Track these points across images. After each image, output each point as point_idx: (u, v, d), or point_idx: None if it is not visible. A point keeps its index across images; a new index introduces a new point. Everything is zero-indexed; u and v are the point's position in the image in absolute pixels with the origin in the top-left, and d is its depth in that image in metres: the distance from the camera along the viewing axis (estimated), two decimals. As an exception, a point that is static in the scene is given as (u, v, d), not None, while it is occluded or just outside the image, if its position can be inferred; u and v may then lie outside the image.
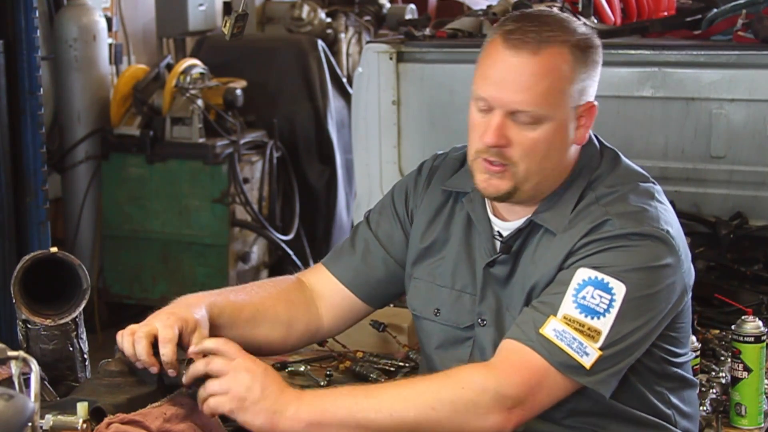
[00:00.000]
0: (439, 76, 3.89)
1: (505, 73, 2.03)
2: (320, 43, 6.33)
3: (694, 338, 2.45)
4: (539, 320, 1.97)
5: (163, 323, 2.01)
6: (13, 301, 2.10)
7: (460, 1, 7.30)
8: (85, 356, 2.19)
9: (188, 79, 5.71)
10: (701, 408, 2.42)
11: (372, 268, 2.32)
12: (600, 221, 2.03)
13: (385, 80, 3.95)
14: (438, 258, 2.25)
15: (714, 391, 2.55)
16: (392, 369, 2.65)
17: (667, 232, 2.03)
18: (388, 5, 7.20)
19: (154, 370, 1.99)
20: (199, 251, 5.73)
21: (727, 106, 3.52)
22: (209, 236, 5.71)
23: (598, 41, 2.10)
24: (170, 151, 5.71)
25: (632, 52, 3.67)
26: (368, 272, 2.32)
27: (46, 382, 2.06)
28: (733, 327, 2.48)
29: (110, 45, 5.88)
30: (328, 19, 6.91)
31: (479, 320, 2.17)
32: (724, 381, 2.59)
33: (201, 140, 5.67)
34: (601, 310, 1.95)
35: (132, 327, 2.03)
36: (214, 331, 2.12)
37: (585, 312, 1.95)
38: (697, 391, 2.27)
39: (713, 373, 2.64)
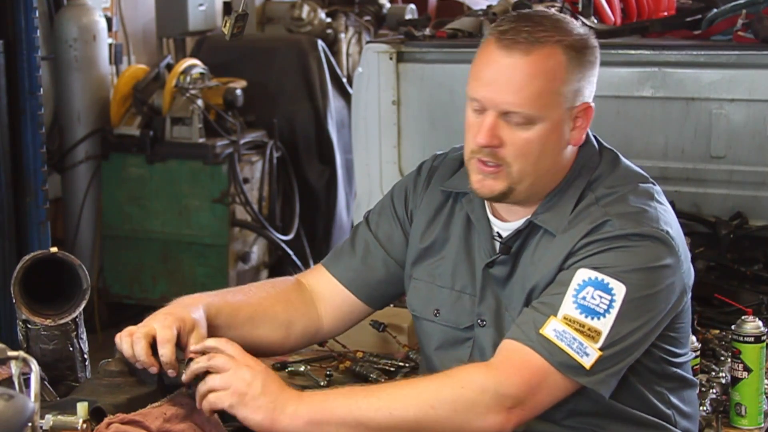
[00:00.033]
0: (439, 76, 3.89)
1: (497, 73, 2.03)
2: (320, 43, 6.33)
3: (694, 338, 2.45)
4: (539, 320, 1.97)
5: (161, 324, 2.02)
6: (13, 301, 2.10)
7: (460, 1, 7.30)
8: (85, 356, 2.19)
9: (188, 79, 5.71)
10: (701, 408, 2.42)
11: (372, 269, 2.32)
12: (600, 222, 2.03)
13: (385, 80, 3.95)
14: (438, 258, 2.25)
15: (714, 391, 2.55)
16: (392, 369, 2.65)
17: (667, 232, 2.03)
18: (388, 5, 7.20)
19: (154, 370, 1.99)
20: (199, 251, 5.73)
21: (727, 106, 3.52)
22: (209, 236, 5.71)
23: (594, 42, 2.09)
24: (170, 151, 5.71)
25: (632, 52, 3.67)
26: (368, 273, 2.32)
27: (46, 382, 2.06)
28: (733, 327, 2.48)
29: (110, 45, 5.88)
30: (328, 19, 6.91)
31: (479, 321, 2.17)
32: (724, 381, 2.59)
33: (201, 140, 5.67)
34: (601, 311, 1.96)
35: (130, 328, 2.03)
36: (213, 331, 2.12)
37: (585, 312, 1.95)
38: (697, 391, 2.27)
39: (713, 373, 2.64)
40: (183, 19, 6.27)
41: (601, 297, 1.96)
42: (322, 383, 2.57)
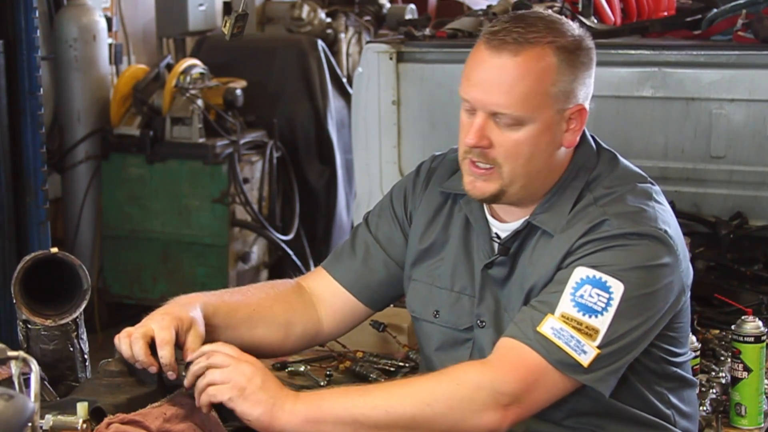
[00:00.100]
0: (439, 76, 3.90)
1: (486, 74, 2.03)
2: (320, 43, 6.33)
3: (694, 338, 2.45)
4: (537, 318, 1.97)
5: (159, 325, 2.01)
6: (14, 301, 2.10)
7: (460, 1, 7.30)
8: (86, 356, 2.19)
9: (188, 79, 5.71)
10: (701, 408, 2.42)
11: (373, 270, 2.31)
12: (598, 221, 2.03)
13: (385, 80, 3.95)
14: (437, 259, 2.25)
15: (714, 391, 2.55)
16: (392, 369, 2.65)
17: (665, 231, 2.03)
18: (388, 5, 7.20)
19: (153, 370, 1.98)
20: (199, 251, 5.73)
21: (727, 106, 3.52)
22: (209, 236, 5.71)
23: (589, 44, 2.08)
24: (170, 151, 5.70)
25: (632, 52, 3.67)
26: (369, 275, 2.31)
27: (46, 382, 2.06)
28: (733, 327, 2.48)
29: (110, 45, 5.88)
30: (328, 19, 6.91)
31: (478, 322, 2.17)
32: (724, 381, 2.59)
33: (201, 140, 5.67)
34: (599, 309, 1.96)
35: (128, 329, 2.02)
36: (210, 331, 2.12)
37: (583, 310, 1.95)
38: (697, 391, 2.27)
39: (713, 373, 2.64)
40: (183, 19, 6.27)
41: (599, 295, 1.96)
42: (322, 383, 2.57)
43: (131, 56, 6.27)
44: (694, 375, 2.32)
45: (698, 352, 2.52)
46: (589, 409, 2.07)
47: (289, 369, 2.65)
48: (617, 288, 1.96)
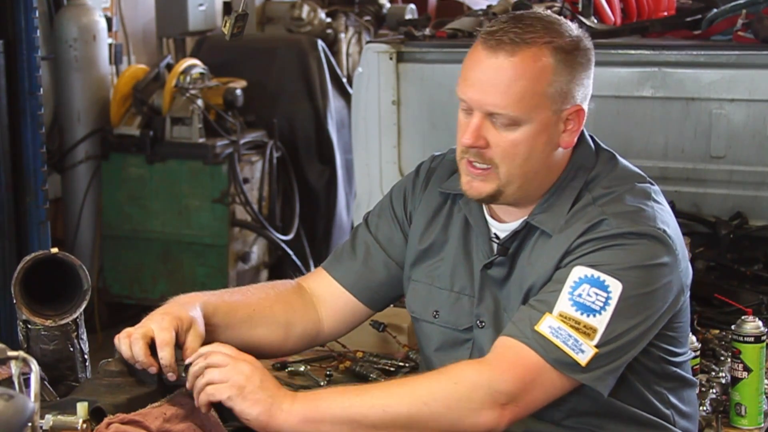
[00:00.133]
0: (439, 76, 3.90)
1: (482, 74, 2.03)
2: (320, 43, 6.33)
3: (693, 338, 2.45)
4: (535, 317, 1.97)
5: (159, 325, 2.01)
6: (14, 301, 2.10)
7: (460, 1, 7.30)
8: (86, 356, 2.19)
9: (188, 79, 5.71)
10: (701, 408, 2.42)
11: (373, 271, 2.31)
12: (596, 221, 2.03)
13: (385, 80, 3.95)
14: (437, 260, 2.25)
15: (714, 391, 2.55)
16: (392, 369, 2.65)
17: (664, 231, 2.03)
18: (388, 5, 7.20)
19: (153, 370, 1.98)
20: (199, 251, 5.73)
21: (727, 106, 3.52)
22: (209, 236, 5.71)
23: (588, 44, 2.07)
24: (170, 151, 5.70)
25: (632, 52, 3.68)
26: (370, 276, 2.31)
27: (46, 382, 2.06)
28: (733, 327, 2.48)
29: (110, 45, 5.88)
30: (328, 19, 6.91)
31: (478, 322, 2.17)
32: (724, 381, 2.59)
33: (201, 140, 5.67)
34: (597, 308, 1.96)
35: (128, 330, 2.02)
36: (210, 330, 2.12)
37: (581, 309, 1.95)
38: (697, 391, 2.26)
39: (713, 373, 2.64)
40: (183, 19, 6.27)
41: (597, 294, 1.96)
42: (322, 383, 2.57)
43: (131, 56, 6.27)
44: (694, 375, 2.32)
45: (698, 352, 2.52)
46: (588, 409, 2.07)
47: (289, 369, 2.65)
48: (616, 287, 1.96)
